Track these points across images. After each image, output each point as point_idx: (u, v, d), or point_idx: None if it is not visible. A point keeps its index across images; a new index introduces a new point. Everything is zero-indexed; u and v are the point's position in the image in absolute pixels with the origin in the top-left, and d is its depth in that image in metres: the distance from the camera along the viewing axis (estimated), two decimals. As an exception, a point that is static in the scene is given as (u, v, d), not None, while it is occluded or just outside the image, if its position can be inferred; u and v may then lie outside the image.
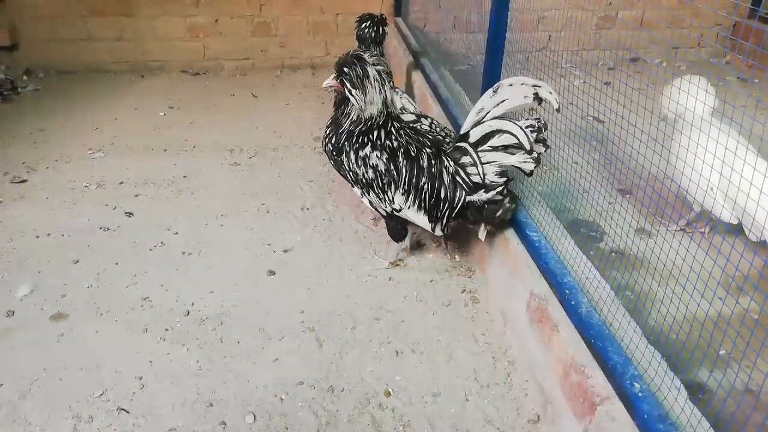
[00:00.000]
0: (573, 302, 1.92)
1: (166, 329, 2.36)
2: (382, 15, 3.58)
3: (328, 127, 2.59)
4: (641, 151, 2.01)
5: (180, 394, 2.08)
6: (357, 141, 2.47)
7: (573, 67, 4.44)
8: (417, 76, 4.06)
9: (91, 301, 2.50)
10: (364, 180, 2.50)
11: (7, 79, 4.66)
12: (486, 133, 2.30)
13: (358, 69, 2.40)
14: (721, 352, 1.91)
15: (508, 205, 2.36)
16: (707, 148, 1.91)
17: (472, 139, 2.34)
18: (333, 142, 2.54)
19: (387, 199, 2.49)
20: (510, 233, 2.43)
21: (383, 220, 2.75)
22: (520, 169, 2.30)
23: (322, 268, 2.74)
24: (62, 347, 2.27)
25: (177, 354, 2.24)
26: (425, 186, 2.41)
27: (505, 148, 2.28)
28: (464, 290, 2.62)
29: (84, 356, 2.22)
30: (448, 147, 2.44)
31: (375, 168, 2.45)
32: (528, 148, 2.21)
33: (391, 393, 2.10)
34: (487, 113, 2.30)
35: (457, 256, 2.83)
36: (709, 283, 1.56)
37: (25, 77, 4.90)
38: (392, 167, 2.44)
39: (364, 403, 2.05)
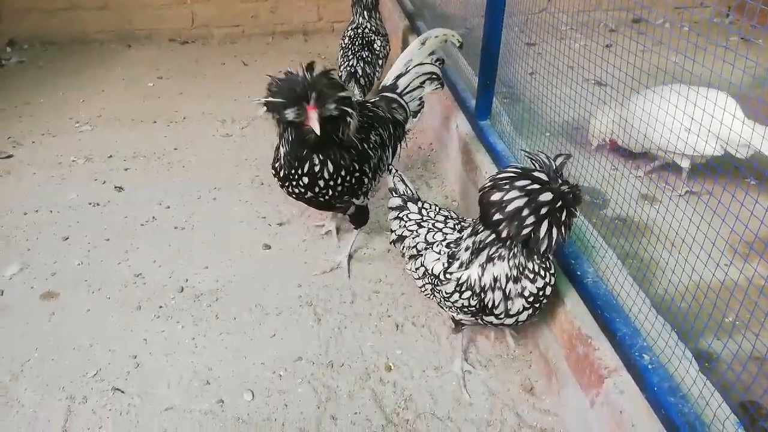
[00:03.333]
0: (579, 272, 1.86)
1: (160, 306, 2.30)
2: None
3: (335, 169, 2.12)
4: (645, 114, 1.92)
5: (176, 372, 2.03)
6: (366, 139, 2.30)
7: (573, 29, 4.29)
8: (413, 41, 3.92)
9: (82, 278, 2.44)
10: (375, 159, 2.33)
11: (-11, 52, 4.52)
12: (413, 80, 2.61)
13: (341, 88, 2.01)
14: (729, 318, 1.86)
15: None
16: (670, 100, 1.86)
17: (401, 88, 2.60)
18: (356, 169, 2.20)
19: (385, 158, 2.45)
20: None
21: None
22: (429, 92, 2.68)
23: (319, 240, 2.67)
24: (54, 327, 2.21)
25: (172, 331, 2.19)
26: (391, 129, 2.54)
27: (422, 83, 2.65)
28: (465, 261, 2.55)
29: (76, 335, 2.17)
30: (374, 97, 2.63)
31: (380, 138, 2.41)
32: (441, 77, 2.67)
33: (392, 367, 2.05)
34: (415, 64, 2.60)
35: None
36: (719, 247, 1.49)
37: (8, 49, 4.74)
38: (381, 131, 2.44)
39: (364, 378, 2.01)
